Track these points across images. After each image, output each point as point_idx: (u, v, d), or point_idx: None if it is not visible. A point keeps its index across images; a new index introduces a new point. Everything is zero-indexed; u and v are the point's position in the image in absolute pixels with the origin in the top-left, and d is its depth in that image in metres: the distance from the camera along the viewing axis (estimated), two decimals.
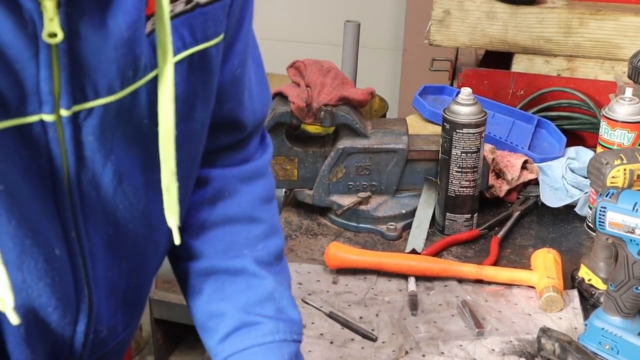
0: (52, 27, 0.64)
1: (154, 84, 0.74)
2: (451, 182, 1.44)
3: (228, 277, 0.94)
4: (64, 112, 0.68)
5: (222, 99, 0.88)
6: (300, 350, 0.95)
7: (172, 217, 0.78)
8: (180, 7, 0.75)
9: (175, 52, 0.75)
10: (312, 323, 1.25)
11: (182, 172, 0.80)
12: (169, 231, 0.86)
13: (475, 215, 1.49)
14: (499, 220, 1.53)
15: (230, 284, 0.93)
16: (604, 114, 1.47)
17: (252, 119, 0.95)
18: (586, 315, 1.25)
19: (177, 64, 0.76)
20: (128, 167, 0.76)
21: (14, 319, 0.69)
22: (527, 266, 1.38)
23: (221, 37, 0.81)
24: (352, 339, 1.21)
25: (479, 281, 1.35)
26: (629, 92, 1.46)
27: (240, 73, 0.90)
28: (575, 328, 1.24)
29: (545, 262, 1.34)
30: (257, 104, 0.95)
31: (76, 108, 0.69)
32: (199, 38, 0.78)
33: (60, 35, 0.64)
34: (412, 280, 1.34)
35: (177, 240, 0.80)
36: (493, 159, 1.57)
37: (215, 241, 0.94)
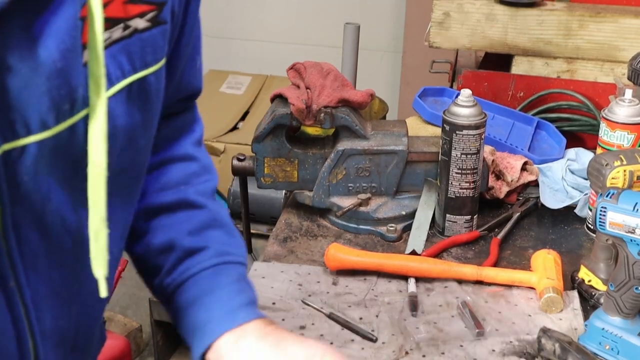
0: None
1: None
2: (451, 183, 1.44)
3: (168, 213, 0.93)
4: None
5: (184, 89, 0.90)
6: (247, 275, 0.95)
7: (99, 268, 0.72)
8: (117, 33, 0.71)
9: (114, 81, 0.71)
10: (312, 324, 1.25)
11: (128, 195, 0.78)
12: (114, 266, 0.84)
13: (475, 217, 1.49)
14: (499, 221, 1.53)
15: (171, 218, 0.93)
16: (604, 115, 1.47)
17: (198, 91, 0.97)
18: (586, 316, 1.25)
19: (116, 95, 0.71)
20: (69, 206, 0.72)
21: None
22: (527, 267, 1.38)
23: (161, 63, 0.78)
24: (352, 340, 1.22)
25: (479, 282, 1.35)
26: (628, 93, 1.46)
27: (199, 62, 0.92)
28: (575, 329, 1.24)
29: (545, 263, 1.34)
30: (199, 79, 0.96)
31: (6, 146, 0.63)
32: (137, 66, 0.74)
33: None
34: (412, 281, 1.34)
35: (103, 293, 0.73)
36: (493, 161, 1.57)
37: (150, 183, 0.93)
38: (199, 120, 1.01)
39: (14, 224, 0.67)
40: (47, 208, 0.70)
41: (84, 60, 0.67)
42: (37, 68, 0.63)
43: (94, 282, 0.80)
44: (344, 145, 1.50)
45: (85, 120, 0.68)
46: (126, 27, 0.72)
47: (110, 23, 0.69)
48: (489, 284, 1.35)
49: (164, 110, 0.88)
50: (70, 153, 0.69)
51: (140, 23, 0.73)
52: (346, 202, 1.51)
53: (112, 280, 0.88)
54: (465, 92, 1.42)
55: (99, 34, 0.65)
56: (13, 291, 0.70)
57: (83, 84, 0.67)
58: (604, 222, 1.15)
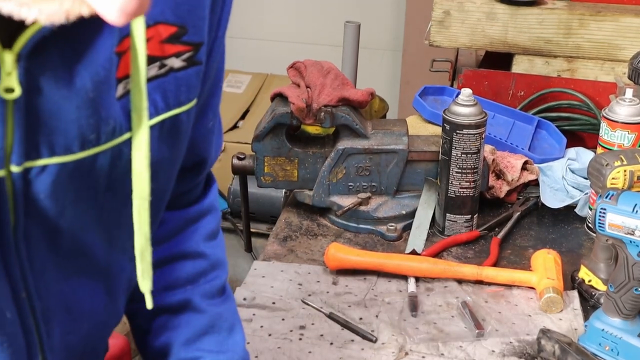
0: (10, 81, 0.60)
1: (120, 149, 0.70)
2: (451, 182, 1.44)
3: (170, 315, 0.94)
4: (15, 168, 0.64)
5: (195, 149, 0.88)
6: None
7: (145, 282, 0.75)
8: (153, 71, 0.72)
9: (148, 118, 0.71)
10: (312, 324, 1.25)
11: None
12: (126, 287, 0.85)
13: (475, 216, 1.49)
14: (499, 221, 1.53)
15: (172, 321, 0.93)
16: (604, 114, 1.47)
17: (211, 164, 0.96)
18: (586, 316, 1.25)
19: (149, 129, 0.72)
20: (82, 226, 0.73)
21: None
22: (527, 267, 1.38)
23: (194, 102, 0.79)
24: (352, 340, 1.21)
25: (479, 282, 1.35)
26: (629, 93, 1.46)
27: (212, 125, 0.91)
28: (575, 329, 1.24)
29: (545, 263, 1.34)
30: (214, 152, 0.95)
31: (27, 164, 0.65)
32: (171, 104, 0.75)
33: (17, 91, 0.61)
34: (412, 281, 1.34)
35: (149, 305, 0.76)
36: (493, 160, 1.56)
37: (159, 279, 0.92)
38: (215, 211, 1.00)
39: (25, 235, 0.69)
40: (60, 225, 0.71)
41: (118, 94, 0.69)
42: (70, 96, 0.65)
43: (105, 300, 0.81)
44: (344, 144, 1.49)
45: (112, 150, 0.70)
46: (162, 66, 0.73)
47: (147, 61, 0.69)
48: (489, 284, 1.34)
49: (175, 187, 0.89)
50: (89, 179, 0.70)
51: (176, 62, 0.74)
52: (346, 202, 1.51)
53: (124, 299, 0.89)
54: (466, 91, 1.42)
55: (142, 69, 0.67)
56: (24, 303, 0.71)
57: (114, 116, 0.68)
58: (603, 224, 1.15)
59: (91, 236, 0.75)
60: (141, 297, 0.92)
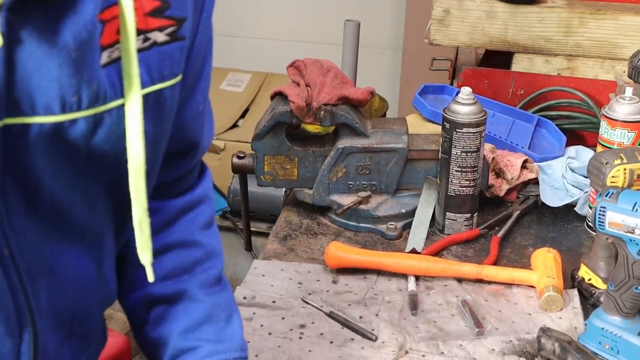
0: None
1: (102, 117, 0.71)
2: (451, 181, 1.44)
3: (167, 305, 0.94)
4: None
5: (185, 132, 0.89)
6: None
7: (145, 254, 0.76)
8: (137, 44, 0.72)
9: None
10: (312, 323, 1.25)
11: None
12: (113, 257, 0.86)
13: (475, 215, 1.49)
14: (499, 219, 1.53)
15: (169, 311, 0.94)
16: (604, 113, 1.47)
17: (202, 150, 0.96)
18: (586, 315, 1.25)
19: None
20: (61, 189, 0.74)
21: None
22: (527, 266, 1.38)
23: (178, 78, 0.79)
24: (352, 339, 1.21)
25: (479, 281, 1.35)
26: (629, 91, 1.46)
27: (202, 108, 0.91)
28: (575, 328, 1.24)
29: (545, 261, 1.34)
30: (206, 137, 0.96)
31: (8, 121, 0.66)
32: (155, 78, 0.76)
33: None
34: (412, 279, 1.34)
35: (150, 278, 0.77)
36: (493, 159, 1.56)
37: (155, 269, 0.91)
38: (209, 201, 1.00)
39: (3, 192, 0.69)
40: (38, 186, 0.71)
41: (103, 62, 0.69)
42: (52, 53, 0.65)
43: (88, 266, 0.82)
44: (344, 143, 1.49)
45: (95, 117, 0.70)
46: (146, 39, 0.74)
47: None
48: (489, 283, 1.34)
49: (167, 173, 0.89)
50: (69, 144, 0.70)
51: (159, 36, 0.75)
52: (346, 200, 1.51)
53: (112, 270, 0.89)
54: (466, 90, 1.42)
55: (131, 31, 0.68)
56: (8, 261, 0.72)
57: (97, 82, 0.69)
58: (603, 222, 1.15)
59: (71, 200, 0.75)
60: (132, 287, 0.93)
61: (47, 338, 0.78)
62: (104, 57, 0.69)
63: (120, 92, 0.71)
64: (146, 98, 0.75)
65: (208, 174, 1.02)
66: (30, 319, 0.75)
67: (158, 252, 0.93)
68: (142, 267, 0.90)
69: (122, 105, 0.71)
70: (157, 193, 0.93)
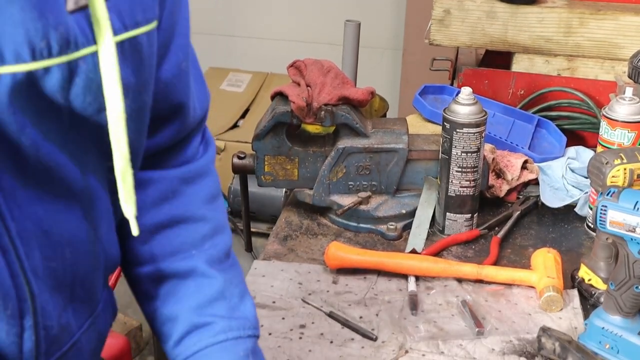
0: None
1: (77, 64, 0.70)
2: (451, 181, 1.44)
3: (178, 280, 0.93)
4: None
5: (169, 92, 0.88)
6: (258, 345, 0.96)
7: (128, 205, 0.75)
8: None
9: None
10: (312, 323, 1.25)
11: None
12: (111, 221, 0.85)
13: (475, 215, 1.49)
14: (499, 220, 1.53)
15: (180, 287, 0.93)
16: (604, 113, 1.47)
17: (193, 114, 0.95)
18: (586, 315, 1.25)
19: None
20: (47, 146, 0.73)
21: None
22: (527, 266, 1.38)
23: (153, 24, 0.78)
24: (352, 339, 1.21)
25: (479, 281, 1.35)
26: (629, 91, 1.46)
27: (185, 66, 0.90)
28: (576, 328, 1.24)
29: (545, 261, 1.34)
30: (197, 101, 0.95)
31: None
32: (128, 24, 0.74)
33: None
34: (412, 280, 1.34)
35: (135, 231, 0.77)
36: (493, 159, 1.57)
37: (163, 244, 0.93)
38: (212, 174, 1.00)
39: None
40: (23, 143, 0.71)
41: (70, 8, 0.68)
42: None
43: (84, 229, 0.81)
44: (344, 143, 1.49)
45: (69, 65, 0.69)
46: None
47: None
48: (489, 283, 1.34)
49: (158, 138, 0.89)
50: (49, 99, 0.70)
51: None
52: (346, 201, 1.51)
53: (110, 233, 0.88)
54: (466, 90, 1.42)
55: None
56: None
57: (65, 26, 0.68)
58: (604, 221, 1.15)
59: (59, 158, 0.75)
60: (139, 261, 0.93)
61: (46, 300, 0.78)
62: (70, 3, 0.68)
63: (92, 39, 0.70)
64: (121, 45, 0.74)
65: (212, 147, 1.01)
66: (25, 278, 0.75)
67: (164, 226, 0.94)
68: (150, 241, 0.92)
69: (97, 53, 0.70)
70: (154, 162, 0.93)
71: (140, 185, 0.90)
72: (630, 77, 1.53)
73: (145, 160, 0.91)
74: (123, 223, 0.90)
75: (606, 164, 1.30)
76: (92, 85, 0.71)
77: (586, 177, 1.49)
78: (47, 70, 0.68)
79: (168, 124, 0.92)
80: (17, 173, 0.72)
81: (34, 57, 0.67)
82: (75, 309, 0.85)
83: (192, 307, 0.92)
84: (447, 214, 1.47)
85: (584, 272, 1.32)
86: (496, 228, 1.51)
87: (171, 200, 0.94)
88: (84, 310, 0.87)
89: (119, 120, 0.72)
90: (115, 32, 0.72)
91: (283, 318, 1.26)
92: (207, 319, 0.92)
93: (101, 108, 0.73)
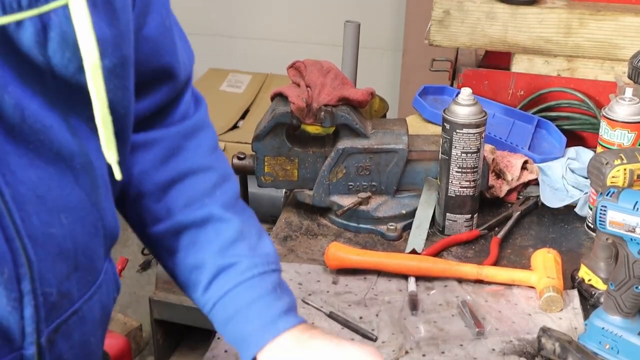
0: None
1: (49, 17, 0.70)
2: (451, 182, 1.44)
3: (197, 229, 0.97)
4: None
5: (158, 51, 0.90)
6: (282, 279, 0.99)
7: (110, 152, 0.75)
8: None
9: None
10: (312, 323, 1.25)
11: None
12: (108, 189, 0.86)
13: (475, 216, 1.49)
14: (499, 220, 1.53)
15: (200, 235, 0.96)
16: (604, 114, 1.47)
17: (184, 70, 0.97)
18: (586, 316, 1.25)
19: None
20: (29, 102, 0.74)
21: None
22: (527, 266, 1.38)
23: None
24: (352, 339, 1.21)
25: (479, 281, 1.35)
26: (629, 92, 1.46)
27: (169, 23, 0.92)
28: (576, 328, 1.24)
29: (545, 262, 1.34)
30: (185, 57, 0.97)
31: None
32: None
33: None
34: (412, 280, 1.34)
35: (117, 176, 0.77)
36: (493, 159, 1.57)
37: (176, 198, 0.96)
38: (209, 127, 1.04)
39: None
40: (7, 103, 0.71)
41: None
42: None
43: (79, 195, 0.81)
44: (344, 143, 1.49)
45: (40, 18, 0.69)
46: None
47: None
48: (489, 283, 1.35)
49: (151, 99, 0.91)
50: (20, 48, 0.70)
51: None
52: (346, 201, 1.51)
53: (107, 198, 0.88)
54: (466, 91, 1.42)
55: None
56: None
57: None
58: (604, 221, 1.15)
59: (46, 120, 0.75)
60: (155, 219, 0.96)
61: (46, 267, 0.78)
62: None
63: None
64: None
65: (204, 103, 1.05)
66: (21, 243, 0.75)
67: (175, 181, 0.97)
68: (164, 198, 0.95)
69: (67, 5, 0.71)
70: (153, 123, 0.95)
71: (145, 147, 0.95)
72: (630, 77, 1.53)
73: (144, 122, 0.94)
74: (136, 191, 0.94)
75: (606, 164, 1.30)
76: (68, 40, 0.72)
77: (586, 178, 1.49)
78: (19, 24, 0.69)
79: (160, 84, 0.94)
80: (7, 137, 0.72)
81: (5, 11, 0.68)
82: (79, 278, 0.85)
83: (215, 251, 0.95)
84: (447, 214, 1.47)
85: (584, 273, 1.32)
86: (496, 228, 1.51)
87: (177, 156, 0.97)
88: (87, 280, 0.87)
89: (96, 69, 0.72)
90: None
91: None
92: (232, 259, 0.95)
93: (81, 66, 0.73)
